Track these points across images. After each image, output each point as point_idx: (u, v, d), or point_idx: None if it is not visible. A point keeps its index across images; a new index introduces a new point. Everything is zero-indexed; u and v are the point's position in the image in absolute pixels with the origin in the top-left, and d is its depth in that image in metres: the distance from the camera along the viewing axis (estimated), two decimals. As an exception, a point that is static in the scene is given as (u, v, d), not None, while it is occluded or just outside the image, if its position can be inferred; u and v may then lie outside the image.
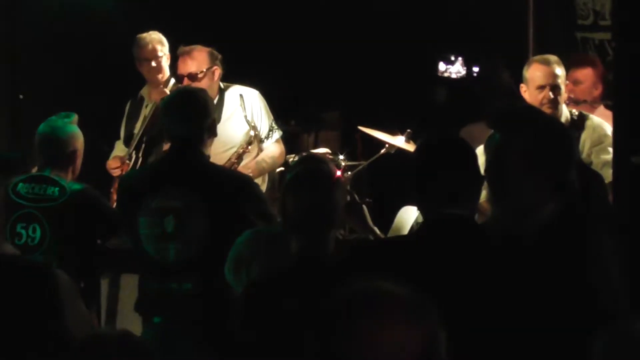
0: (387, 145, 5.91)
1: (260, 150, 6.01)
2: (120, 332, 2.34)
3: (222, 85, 6.05)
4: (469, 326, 2.97)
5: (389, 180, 5.30)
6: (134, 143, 6.30)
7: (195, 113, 4.66)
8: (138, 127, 6.41)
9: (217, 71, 6.01)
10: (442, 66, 3.33)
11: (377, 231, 4.25)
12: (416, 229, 3.52)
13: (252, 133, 5.90)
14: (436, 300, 2.09)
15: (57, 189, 4.95)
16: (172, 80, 6.46)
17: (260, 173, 5.92)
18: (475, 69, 4.43)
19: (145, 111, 6.46)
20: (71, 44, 7.49)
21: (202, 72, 5.93)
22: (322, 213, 3.49)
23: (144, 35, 6.49)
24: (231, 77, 6.11)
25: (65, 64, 7.48)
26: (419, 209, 3.39)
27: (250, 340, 3.37)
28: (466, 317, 2.99)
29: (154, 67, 6.43)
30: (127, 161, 6.26)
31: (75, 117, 5.14)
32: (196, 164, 4.63)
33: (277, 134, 6.08)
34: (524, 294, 3.09)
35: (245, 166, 5.84)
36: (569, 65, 6.03)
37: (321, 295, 2.14)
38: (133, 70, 6.50)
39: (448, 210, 3.19)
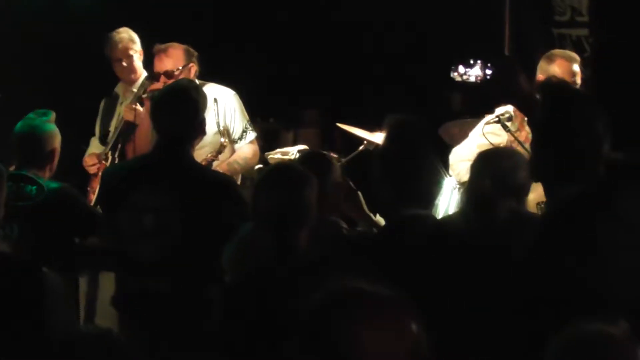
0: (365, 142, 5.91)
1: (234, 151, 5.97)
2: (101, 331, 2.33)
3: (197, 82, 6.00)
4: (441, 326, 2.98)
5: (368, 178, 5.30)
6: (110, 143, 6.27)
7: (185, 110, 4.64)
8: (113, 125, 6.39)
9: (194, 68, 5.96)
10: (461, 69, 3.33)
11: (374, 217, 4.24)
12: (381, 228, 3.51)
13: (222, 140, 5.86)
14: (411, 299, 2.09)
15: (35, 187, 4.93)
16: (144, 75, 6.44)
17: (233, 174, 5.88)
18: (489, 72, 4.44)
19: (120, 109, 6.43)
20: (48, 42, 7.46)
21: (178, 69, 5.89)
22: (293, 211, 3.50)
23: (114, 34, 6.44)
24: (211, 74, 6.08)
25: (42, 62, 7.46)
26: (379, 207, 3.36)
27: (229, 340, 3.37)
28: (437, 316, 3.00)
29: (125, 66, 6.40)
30: (104, 161, 6.23)
31: (52, 115, 5.12)
32: (181, 162, 4.61)
33: (251, 135, 6.02)
34: (492, 289, 3.10)
35: (217, 167, 5.80)
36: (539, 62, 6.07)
37: (292, 294, 2.14)
38: (110, 68, 6.47)
39: (410, 211, 3.17)
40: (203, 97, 4.84)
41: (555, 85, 3.44)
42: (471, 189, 3.78)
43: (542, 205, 4.58)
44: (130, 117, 6.12)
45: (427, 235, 3.16)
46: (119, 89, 6.53)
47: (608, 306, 3.01)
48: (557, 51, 5.98)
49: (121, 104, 6.44)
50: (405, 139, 3.26)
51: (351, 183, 4.29)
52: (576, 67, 5.76)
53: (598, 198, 3.18)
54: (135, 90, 6.37)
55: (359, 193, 4.25)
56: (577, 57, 5.82)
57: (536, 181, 3.62)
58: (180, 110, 4.64)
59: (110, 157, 6.23)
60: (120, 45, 6.38)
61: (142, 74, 6.44)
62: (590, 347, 2.27)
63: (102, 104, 6.56)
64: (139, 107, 6.13)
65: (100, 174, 6.14)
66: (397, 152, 3.23)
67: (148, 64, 6.24)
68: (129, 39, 6.41)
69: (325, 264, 3.27)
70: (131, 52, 6.39)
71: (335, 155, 5.69)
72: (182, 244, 4.46)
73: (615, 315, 2.38)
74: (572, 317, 2.38)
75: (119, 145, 6.21)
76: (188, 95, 4.71)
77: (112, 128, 6.37)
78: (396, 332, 2.01)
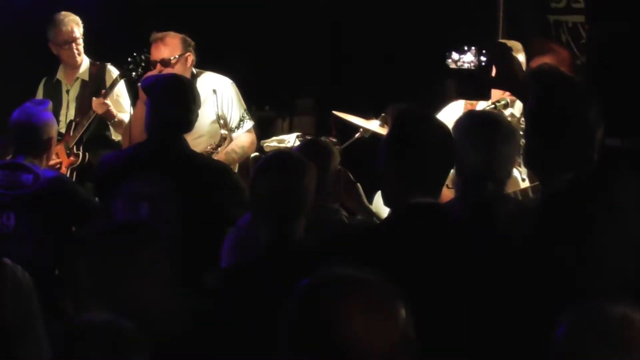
0: (361, 130, 5.90)
1: (231, 139, 5.98)
2: (107, 319, 2.34)
3: (194, 71, 6.01)
4: (442, 314, 2.99)
5: (363, 165, 5.30)
6: (75, 137, 6.26)
7: (180, 100, 4.68)
8: (64, 115, 6.39)
9: (190, 57, 5.96)
10: (455, 56, 3.33)
11: (372, 209, 4.25)
12: (385, 218, 3.52)
13: (222, 132, 5.87)
14: (408, 288, 2.09)
15: (31, 176, 4.93)
16: (87, 62, 6.49)
17: (230, 164, 5.89)
18: (483, 59, 4.42)
19: (68, 97, 6.46)
20: (45, 32, 7.42)
21: (174, 58, 5.88)
22: (291, 199, 3.50)
23: (61, 17, 6.46)
24: (206, 62, 6.08)
25: (39, 52, 7.42)
26: (385, 196, 3.36)
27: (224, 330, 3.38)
28: (443, 306, 3.01)
29: (73, 49, 6.43)
30: (71, 157, 6.23)
31: (49, 104, 5.13)
32: (176, 150, 4.64)
33: (248, 123, 6.02)
34: (497, 279, 3.11)
35: (215, 157, 5.80)
36: (532, 53, 6.04)
37: (289, 283, 2.14)
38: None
39: (416, 200, 3.17)
40: (197, 88, 4.91)
41: (547, 73, 3.44)
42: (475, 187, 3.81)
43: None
44: (101, 110, 6.16)
45: (433, 224, 3.16)
46: (60, 74, 6.55)
47: (604, 294, 3.02)
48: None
49: (67, 91, 6.46)
50: (411, 127, 3.26)
51: (350, 175, 4.30)
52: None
53: (593, 185, 3.19)
54: (79, 76, 6.49)
55: (358, 185, 4.26)
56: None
57: (530, 169, 3.63)
58: (175, 100, 4.68)
59: (80, 152, 6.24)
60: (68, 28, 6.41)
61: (84, 58, 6.47)
62: (613, 329, 2.24)
63: (41, 88, 6.57)
64: (109, 102, 6.18)
65: (65, 168, 6.16)
66: (402, 141, 3.23)
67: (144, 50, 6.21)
68: (75, 22, 6.46)
69: (322, 252, 3.27)
70: (77, 35, 6.44)
71: (334, 140, 5.70)
72: (176, 232, 4.46)
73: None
74: (568, 304, 2.38)
75: (84, 139, 6.25)
76: (183, 85, 4.77)
77: (62, 117, 6.38)
78: (385, 318, 2.02)
